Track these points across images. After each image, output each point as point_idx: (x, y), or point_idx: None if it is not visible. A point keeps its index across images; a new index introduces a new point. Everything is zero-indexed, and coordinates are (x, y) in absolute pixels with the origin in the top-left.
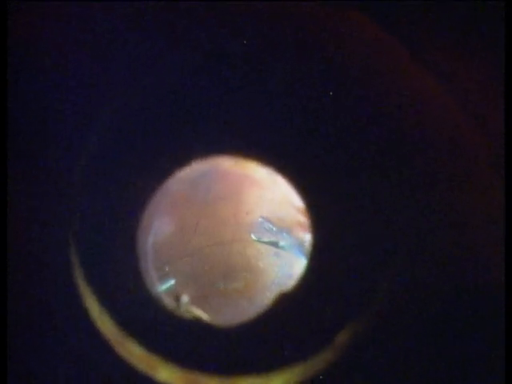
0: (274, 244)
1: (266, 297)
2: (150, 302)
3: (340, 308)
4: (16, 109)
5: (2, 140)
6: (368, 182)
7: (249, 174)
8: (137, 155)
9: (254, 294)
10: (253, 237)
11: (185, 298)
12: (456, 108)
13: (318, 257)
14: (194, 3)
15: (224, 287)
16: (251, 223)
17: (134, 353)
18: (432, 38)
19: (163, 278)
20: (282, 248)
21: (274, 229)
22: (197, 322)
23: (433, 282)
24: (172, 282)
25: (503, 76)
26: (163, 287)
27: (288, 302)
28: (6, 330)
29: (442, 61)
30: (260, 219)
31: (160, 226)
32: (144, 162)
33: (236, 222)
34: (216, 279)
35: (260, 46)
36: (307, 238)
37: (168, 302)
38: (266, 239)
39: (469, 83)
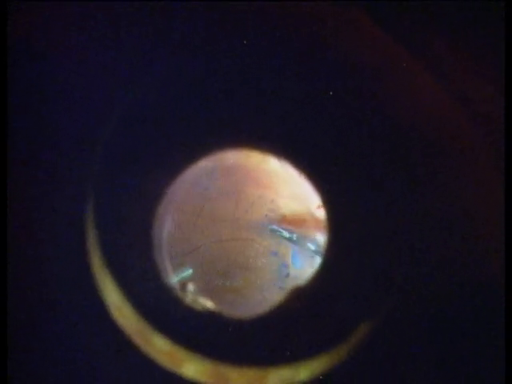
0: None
1: (263, 296)
2: (168, 294)
3: (354, 305)
4: (17, 108)
5: (3, 139)
6: (378, 180)
7: (252, 170)
8: (151, 150)
9: (251, 292)
10: (272, 228)
11: (191, 287)
12: (456, 107)
13: (333, 253)
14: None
15: (223, 285)
16: (252, 221)
17: (156, 347)
18: (431, 36)
19: (179, 267)
20: (297, 243)
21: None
22: (212, 314)
23: (445, 280)
24: (190, 271)
25: (503, 75)
26: (180, 276)
27: (303, 297)
28: (6, 326)
29: (442, 60)
30: (271, 226)
31: (178, 218)
32: (159, 156)
33: (236, 219)
34: (215, 277)
35: (263, 43)
36: (317, 237)
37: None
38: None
39: (468, 82)
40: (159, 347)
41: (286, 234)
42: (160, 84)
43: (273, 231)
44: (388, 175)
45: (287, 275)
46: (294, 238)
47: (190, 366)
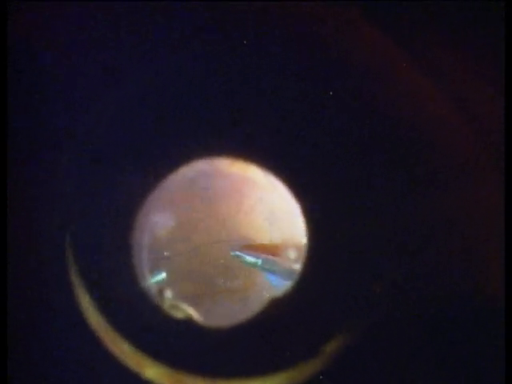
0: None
1: (263, 297)
2: (143, 299)
3: (330, 317)
4: (17, 108)
5: (3, 139)
6: (365, 186)
7: (249, 174)
8: (134, 153)
9: (252, 293)
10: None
11: (168, 293)
12: (454, 110)
13: (313, 263)
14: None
15: (224, 285)
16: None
17: (123, 349)
18: (430, 38)
19: (155, 271)
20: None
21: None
22: (187, 321)
23: (430, 295)
24: (163, 275)
25: (503, 78)
26: (154, 280)
27: (280, 307)
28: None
29: (441, 62)
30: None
31: (160, 222)
32: (141, 159)
33: (236, 221)
34: (216, 276)
35: (258, 47)
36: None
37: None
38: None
39: (468, 85)
40: (127, 352)
41: (249, 259)
42: (146, 88)
43: (236, 257)
44: (380, 181)
45: (270, 283)
46: (259, 264)
47: (151, 371)
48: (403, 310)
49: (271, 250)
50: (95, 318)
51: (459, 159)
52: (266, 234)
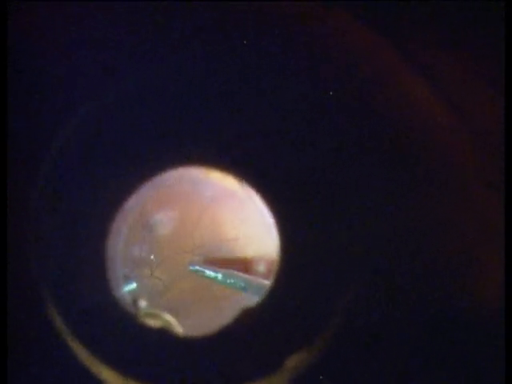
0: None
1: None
2: (115, 309)
3: (295, 331)
4: (17, 108)
5: (3, 139)
6: (341, 201)
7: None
8: (108, 163)
9: (224, 303)
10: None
11: (142, 303)
12: (449, 114)
13: (286, 275)
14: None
15: (195, 295)
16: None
17: (81, 354)
18: (426, 40)
19: (127, 281)
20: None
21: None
22: (159, 331)
23: (402, 310)
24: (134, 285)
25: (503, 79)
26: (126, 289)
27: (250, 319)
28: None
29: (436, 64)
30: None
31: (132, 232)
32: (116, 169)
33: (205, 232)
34: (187, 286)
35: (245, 56)
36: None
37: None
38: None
39: (465, 89)
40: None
41: (208, 273)
42: (126, 97)
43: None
44: (351, 201)
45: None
46: (219, 278)
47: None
48: (374, 323)
49: (236, 263)
50: (67, 331)
51: (453, 169)
52: (236, 247)
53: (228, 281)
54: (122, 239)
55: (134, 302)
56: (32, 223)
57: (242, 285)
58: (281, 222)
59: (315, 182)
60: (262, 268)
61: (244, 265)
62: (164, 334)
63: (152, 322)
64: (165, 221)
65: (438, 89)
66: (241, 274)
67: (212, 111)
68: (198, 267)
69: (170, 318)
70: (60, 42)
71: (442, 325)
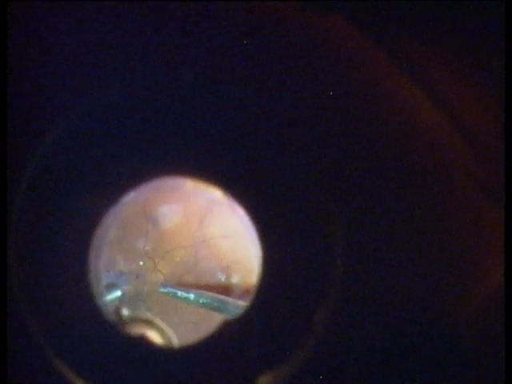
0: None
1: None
2: (97, 318)
3: (269, 349)
4: (17, 108)
5: (3, 140)
6: (324, 219)
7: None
8: (93, 171)
9: (204, 315)
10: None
11: (125, 311)
12: (448, 125)
13: (267, 290)
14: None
15: (225, 280)
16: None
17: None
18: (422, 49)
19: (111, 289)
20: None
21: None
22: (140, 340)
23: (381, 331)
24: (118, 293)
25: (502, 89)
26: (109, 298)
27: (229, 332)
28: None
29: (433, 74)
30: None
31: (114, 242)
32: (100, 178)
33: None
34: (217, 271)
35: (233, 65)
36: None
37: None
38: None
39: (463, 99)
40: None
41: (180, 294)
42: (111, 105)
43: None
44: (334, 219)
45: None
46: (192, 299)
47: None
48: (353, 340)
49: (211, 286)
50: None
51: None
52: (212, 268)
53: (201, 301)
54: (105, 250)
55: (117, 310)
56: (14, 232)
57: (216, 305)
58: (263, 234)
59: (298, 196)
60: (238, 291)
61: (221, 288)
62: (144, 344)
63: (143, 329)
64: (169, 214)
65: (435, 97)
66: (214, 294)
67: (197, 122)
68: (169, 288)
69: (162, 325)
70: (60, 42)
71: (428, 340)
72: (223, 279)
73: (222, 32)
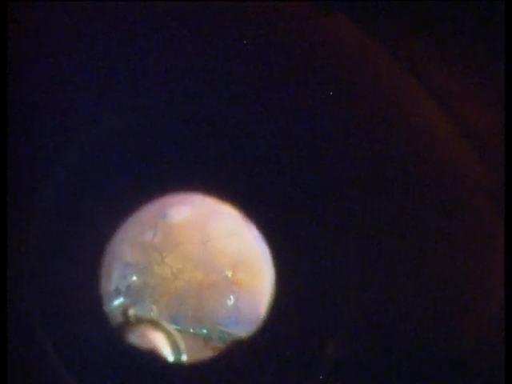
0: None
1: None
2: (110, 331)
3: (283, 367)
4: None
5: (3, 140)
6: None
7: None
8: (104, 191)
9: (215, 334)
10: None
11: (131, 311)
12: (449, 126)
13: (277, 311)
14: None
15: (232, 276)
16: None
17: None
18: (426, 50)
19: (115, 297)
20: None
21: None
22: (150, 354)
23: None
24: (121, 299)
25: (503, 90)
26: (113, 304)
27: (238, 352)
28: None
29: (436, 75)
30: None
31: (127, 255)
32: (115, 193)
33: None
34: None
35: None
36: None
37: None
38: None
39: (464, 98)
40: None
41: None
42: (126, 124)
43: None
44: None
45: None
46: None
47: None
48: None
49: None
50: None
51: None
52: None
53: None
54: (117, 262)
55: (124, 312)
56: (29, 247)
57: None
58: (275, 255)
59: (312, 217)
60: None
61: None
62: (153, 358)
63: (152, 332)
64: (179, 211)
65: (437, 96)
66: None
67: (211, 142)
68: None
69: (170, 328)
70: (60, 42)
71: (440, 362)
72: (230, 276)
73: (225, 36)
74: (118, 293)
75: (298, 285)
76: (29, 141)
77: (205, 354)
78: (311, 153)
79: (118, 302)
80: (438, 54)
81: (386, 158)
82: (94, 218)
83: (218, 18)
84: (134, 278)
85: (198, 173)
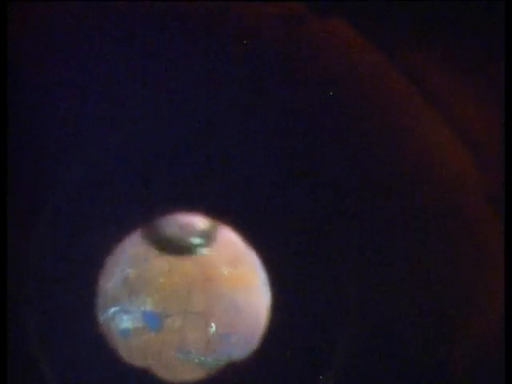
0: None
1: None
2: (104, 347)
3: None
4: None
5: (3, 140)
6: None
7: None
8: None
9: (209, 356)
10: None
11: (123, 316)
12: (448, 127)
13: (271, 334)
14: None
15: (229, 272)
16: None
17: None
18: (424, 54)
19: (107, 308)
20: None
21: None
22: (144, 373)
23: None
24: (112, 309)
25: (502, 94)
26: (106, 315)
27: (232, 374)
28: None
29: (434, 76)
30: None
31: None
32: (114, 213)
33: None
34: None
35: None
36: None
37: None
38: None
39: (462, 101)
40: None
41: (198, 360)
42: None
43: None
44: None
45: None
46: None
47: None
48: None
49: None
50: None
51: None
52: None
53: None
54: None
55: (112, 318)
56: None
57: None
58: (273, 276)
59: (310, 241)
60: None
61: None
62: (147, 377)
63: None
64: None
65: (435, 99)
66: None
67: (210, 165)
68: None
69: (147, 364)
70: (60, 42)
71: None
72: (226, 273)
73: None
74: (115, 301)
75: (296, 309)
76: (31, 147)
77: (199, 374)
78: (308, 160)
79: (114, 310)
80: (437, 54)
81: (384, 160)
82: (96, 229)
83: (217, 19)
84: (132, 269)
85: (199, 193)
